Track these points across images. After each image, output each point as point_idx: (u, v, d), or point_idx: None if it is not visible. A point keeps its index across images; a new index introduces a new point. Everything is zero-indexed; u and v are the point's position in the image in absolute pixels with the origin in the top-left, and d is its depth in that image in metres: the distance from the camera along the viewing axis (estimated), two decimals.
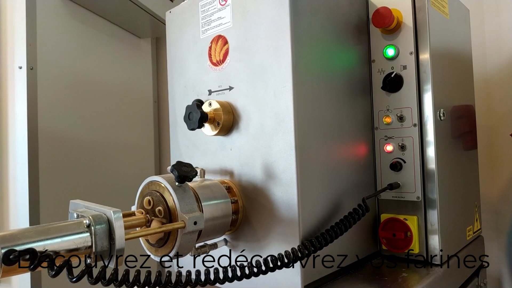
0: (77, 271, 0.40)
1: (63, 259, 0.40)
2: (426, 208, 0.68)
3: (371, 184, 0.72)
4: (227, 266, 0.49)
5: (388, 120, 0.71)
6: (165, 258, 0.54)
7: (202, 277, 0.46)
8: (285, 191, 0.56)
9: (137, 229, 0.57)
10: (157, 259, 0.55)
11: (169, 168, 0.72)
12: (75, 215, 0.47)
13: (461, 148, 0.80)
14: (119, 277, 0.41)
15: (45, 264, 0.38)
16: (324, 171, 0.61)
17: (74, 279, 0.39)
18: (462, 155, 0.80)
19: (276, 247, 0.58)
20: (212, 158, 0.68)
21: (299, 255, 0.52)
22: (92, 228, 0.44)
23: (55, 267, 0.38)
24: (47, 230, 0.42)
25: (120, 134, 1.42)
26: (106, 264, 0.45)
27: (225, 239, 0.65)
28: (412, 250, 0.67)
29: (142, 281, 0.42)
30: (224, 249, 0.66)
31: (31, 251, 0.38)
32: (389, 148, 0.71)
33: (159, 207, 0.53)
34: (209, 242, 0.64)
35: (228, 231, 0.63)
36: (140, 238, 0.57)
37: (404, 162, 0.69)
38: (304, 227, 0.56)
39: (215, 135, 0.65)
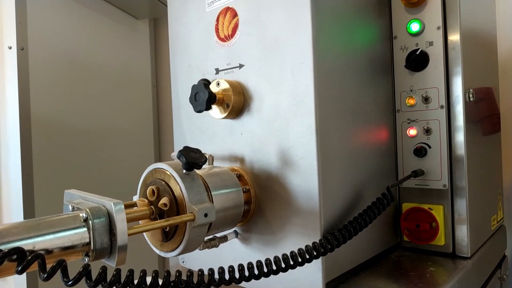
0: (73, 273, 0.35)
1: (56, 259, 0.35)
2: (453, 197, 0.62)
3: (392, 171, 0.67)
4: (237, 264, 0.44)
5: (411, 101, 0.65)
6: (171, 253, 0.49)
7: (216, 277, 0.40)
8: (304, 179, 0.51)
9: (140, 222, 0.51)
10: (163, 254, 0.50)
11: (173, 154, 0.66)
12: (70, 207, 0.41)
13: (480, 132, 0.74)
14: (122, 278, 0.36)
15: (35, 265, 0.33)
16: (345, 157, 0.55)
17: (70, 283, 0.33)
18: (486, 139, 0.75)
19: (294, 241, 0.52)
20: (220, 144, 0.62)
21: (322, 250, 0.47)
22: (90, 222, 0.38)
23: (48, 269, 0.33)
24: (37, 225, 0.36)
25: (118, 120, 1.36)
26: (107, 263, 0.39)
27: (235, 231, 0.60)
28: (437, 242, 0.62)
29: (149, 283, 0.37)
30: (234, 242, 0.60)
31: (19, 250, 0.32)
32: (412, 132, 0.65)
33: (165, 198, 0.48)
34: (218, 234, 0.58)
35: (239, 222, 0.58)
36: (145, 233, 0.52)
37: (429, 147, 0.64)
38: (326, 218, 0.50)
39: (224, 118, 0.59)
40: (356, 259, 0.57)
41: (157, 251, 0.51)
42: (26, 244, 0.34)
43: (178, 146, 0.70)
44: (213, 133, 0.63)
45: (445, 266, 0.59)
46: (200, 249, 0.55)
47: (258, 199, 0.57)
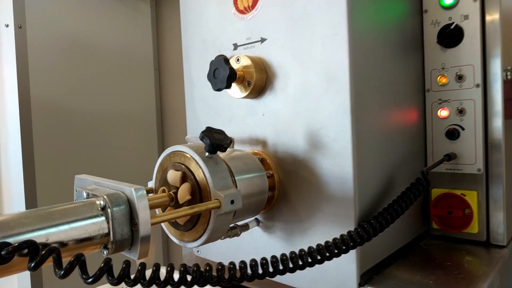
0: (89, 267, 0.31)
1: (71, 253, 0.31)
2: (488, 182, 0.58)
3: (421, 155, 0.62)
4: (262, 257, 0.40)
5: (443, 80, 0.61)
6: (193, 244, 0.45)
7: (249, 271, 0.36)
8: (337, 163, 0.46)
9: (156, 211, 0.47)
10: (183, 244, 0.46)
11: (188, 137, 0.61)
12: (85, 194, 0.37)
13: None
14: (146, 274, 0.32)
15: (49, 260, 0.29)
16: (379, 139, 0.51)
17: (90, 280, 0.29)
18: None
19: (324, 230, 0.48)
20: (239, 126, 0.57)
21: (358, 239, 0.43)
22: (109, 210, 0.34)
23: (66, 266, 0.28)
24: (49, 214, 0.32)
25: (119, 104, 1.31)
26: (128, 256, 0.35)
27: (256, 218, 0.56)
28: (470, 229, 0.59)
29: (177, 279, 0.33)
30: (255, 231, 0.56)
31: (31, 243, 0.28)
32: (444, 113, 0.61)
33: (186, 184, 0.43)
34: (239, 222, 0.54)
35: (262, 210, 0.54)
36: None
37: (463, 129, 0.59)
38: (361, 205, 0.46)
39: (244, 97, 0.54)
40: (388, 249, 0.53)
41: (177, 241, 0.47)
42: (39, 236, 0.30)
43: (191, 130, 0.65)
44: (230, 114, 0.59)
45: (480, 255, 0.56)
46: (222, 238, 0.51)
47: (282, 184, 0.53)
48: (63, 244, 0.31)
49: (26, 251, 0.28)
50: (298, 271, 0.49)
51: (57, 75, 1.06)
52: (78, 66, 1.14)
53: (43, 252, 0.28)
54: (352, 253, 0.46)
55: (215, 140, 0.42)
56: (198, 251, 0.67)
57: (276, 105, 0.52)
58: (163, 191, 0.45)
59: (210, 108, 0.61)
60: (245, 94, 0.54)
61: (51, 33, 1.05)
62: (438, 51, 0.61)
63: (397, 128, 0.56)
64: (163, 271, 0.32)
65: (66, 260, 0.30)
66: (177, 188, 0.44)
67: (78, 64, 1.14)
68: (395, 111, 0.55)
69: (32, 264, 0.27)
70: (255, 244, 0.57)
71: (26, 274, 0.88)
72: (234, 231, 0.52)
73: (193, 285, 0.33)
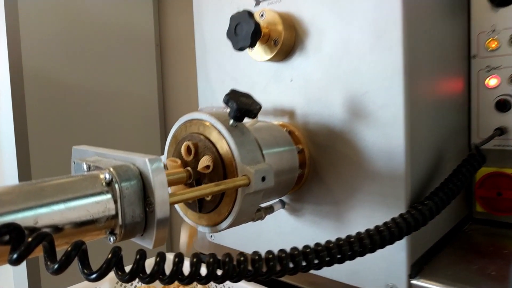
0: (93, 260, 0.24)
1: (70, 240, 0.24)
2: None
3: (465, 129, 0.55)
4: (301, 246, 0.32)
5: (493, 44, 0.53)
6: (214, 228, 0.38)
7: (290, 263, 0.29)
8: (384, 134, 0.39)
9: (169, 190, 0.40)
10: (202, 229, 0.39)
11: (201, 108, 0.54)
12: (85, 167, 0.30)
13: None
14: (161, 266, 0.25)
15: (39, 250, 0.21)
16: (430, 109, 0.44)
17: (94, 276, 0.22)
18: None
19: (364, 212, 0.41)
20: (261, 94, 0.50)
21: (413, 224, 0.36)
22: (117, 186, 0.26)
23: (62, 257, 0.21)
24: (39, 190, 0.24)
25: (117, 80, 1.22)
26: (140, 244, 0.28)
27: (281, 200, 0.49)
28: None
29: (205, 274, 0.26)
30: (279, 214, 0.49)
31: (13, 228, 0.21)
32: (493, 82, 0.54)
33: (206, 157, 0.36)
34: (263, 204, 0.47)
35: (290, 190, 0.47)
36: None
37: None
38: (412, 184, 0.39)
39: (269, 60, 0.47)
40: (435, 235, 0.46)
41: (193, 224, 0.40)
42: (25, 218, 0.23)
43: (203, 101, 0.58)
44: (251, 81, 0.51)
45: None
46: (245, 222, 0.44)
47: (314, 161, 0.45)
48: (57, 228, 0.24)
49: (7, 237, 0.21)
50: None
51: (52, 48, 0.98)
52: (75, 39, 1.05)
53: (30, 239, 0.21)
54: (401, 240, 0.39)
55: (243, 105, 0.35)
56: (212, 236, 0.60)
57: (308, 68, 0.45)
58: (179, 166, 0.38)
59: (227, 75, 0.54)
60: (270, 56, 0.46)
61: (45, 3, 0.96)
62: (488, 11, 0.53)
63: (445, 97, 0.48)
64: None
65: (61, 250, 0.23)
66: (195, 163, 0.37)
67: (75, 37, 1.05)
68: (444, 78, 0.48)
69: (15, 256, 0.20)
70: (279, 229, 0.50)
71: (22, 268, 0.81)
72: (258, 214, 0.45)
73: (224, 280, 0.26)
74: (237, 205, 0.35)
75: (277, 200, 0.49)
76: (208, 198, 0.37)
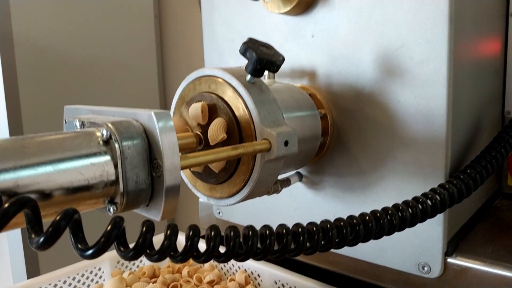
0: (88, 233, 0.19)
1: (60, 209, 0.19)
2: None
3: (500, 96, 0.50)
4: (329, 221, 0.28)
5: None
6: (229, 201, 0.33)
7: (321, 239, 0.25)
8: (423, 94, 0.34)
9: None
10: (214, 202, 0.34)
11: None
12: (78, 124, 0.25)
13: None
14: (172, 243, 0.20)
15: (21, 221, 0.17)
16: (471, 69, 0.39)
17: (90, 252, 0.17)
18: None
19: (396, 183, 0.37)
20: None
21: (457, 195, 0.31)
22: (116, 145, 0.22)
23: (49, 229, 0.16)
24: (21, 148, 0.19)
25: (115, 51, 1.16)
26: (146, 216, 0.23)
27: (298, 172, 0.45)
28: None
29: (224, 252, 0.21)
30: (295, 188, 0.45)
31: None
32: None
33: (220, 119, 0.31)
34: (279, 176, 0.43)
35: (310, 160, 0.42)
36: (183, 170, 0.36)
37: None
38: (453, 152, 0.35)
39: (287, 13, 0.41)
40: (469, 210, 0.42)
41: (204, 198, 0.35)
42: (3, 181, 0.18)
43: (210, 63, 0.52)
44: (264, 38, 0.45)
45: None
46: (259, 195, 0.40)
47: (337, 128, 0.40)
48: (44, 195, 0.19)
49: None
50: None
51: (44, 13, 0.91)
52: (69, 6, 0.98)
53: (7, 204, 0.16)
54: (439, 215, 0.34)
55: (263, 55, 0.30)
56: (219, 212, 0.56)
57: (333, 21, 0.39)
58: (186, 130, 0.33)
59: (237, 33, 0.48)
60: (289, 7, 0.40)
61: None
62: None
63: (484, 58, 0.43)
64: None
65: (50, 219, 0.18)
66: (204, 127, 0.32)
67: (69, 3, 0.98)
68: (484, 36, 0.42)
69: None
70: (295, 204, 0.46)
71: (19, 251, 0.77)
72: (274, 187, 0.41)
73: (247, 258, 0.22)
74: (255, 174, 0.31)
75: (294, 172, 0.44)
76: (222, 166, 0.32)
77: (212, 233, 0.21)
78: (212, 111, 0.32)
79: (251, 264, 0.49)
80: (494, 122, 0.48)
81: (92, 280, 0.52)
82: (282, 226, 0.24)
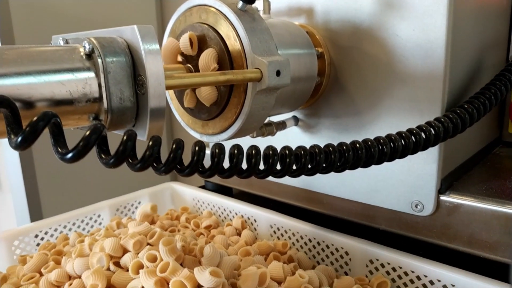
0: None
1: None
2: None
3: (506, 41, 0.49)
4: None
5: None
6: (220, 136, 0.33)
7: (308, 162, 0.25)
8: (422, 26, 0.33)
9: (168, 97, 0.35)
10: (207, 138, 0.34)
11: None
12: (61, 42, 0.24)
13: None
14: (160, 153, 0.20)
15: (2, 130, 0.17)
16: (473, 7, 0.37)
17: (70, 155, 0.17)
18: None
19: (392, 121, 0.36)
20: None
21: (452, 127, 0.31)
22: (100, 61, 0.21)
23: (27, 128, 0.16)
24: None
25: (114, 9, 1.13)
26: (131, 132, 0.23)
27: (294, 117, 0.44)
28: None
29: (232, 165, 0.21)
30: (290, 132, 0.45)
31: None
32: None
33: (210, 49, 0.30)
34: (274, 119, 0.42)
35: (305, 103, 0.42)
36: (172, 103, 0.36)
37: None
38: (451, 87, 0.34)
39: None
40: (465, 152, 0.42)
41: (197, 135, 0.35)
42: None
43: None
44: None
45: None
46: (253, 137, 0.39)
47: (334, 68, 0.40)
48: (24, 103, 0.19)
49: None
50: (349, 180, 0.38)
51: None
52: None
53: None
54: (433, 150, 0.34)
55: None
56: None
57: None
58: (178, 63, 0.32)
59: None
60: None
61: None
62: None
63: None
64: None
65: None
66: (196, 59, 0.31)
67: None
68: None
69: None
70: None
71: (22, 195, 0.79)
72: (269, 129, 0.40)
73: (267, 175, 0.22)
74: (247, 106, 0.30)
75: (290, 116, 0.44)
76: (214, 99, 0.31)
77: (196, 148, 0.21)
78: (203, 42, 0.31)
79: (247, 210, 0.50)
80: (497, 66, 0.47)
81: (91, 226, 0.53)
82: (269, 147, 0.24)
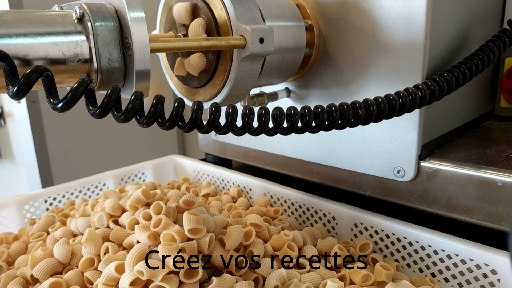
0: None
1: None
2: None
3: (499, 14, 0.49)
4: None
5: None
6: (207, 104, 0.35)
7: (298, 120, 0.27)
8: None
9: (163, 66, 0.37)
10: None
11: None
12: (56, 8, 0.26)
13: None
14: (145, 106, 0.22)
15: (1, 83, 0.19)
16: None
17: (60, 105, 0.20)
18: None
19: (376, 91, 0.38)
20: None
21: (429, 92, 0.32)
22: (90, 25, 0.23)
23: (21, 79, 0.19)
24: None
25: None
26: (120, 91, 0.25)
27: (287, 88, 0.46)
28: None
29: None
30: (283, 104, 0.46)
31: None
32: None
33: (199, 19, 0.32)
34: (266, 90, 0.44)
35: (294, 75, 0.43)
36: (167, 73, 0.38)
37: None
38: (431, 56, 0.35)
39: None
40: (450, 122, 0.43)
41: (189, 103, 0.37)
42: None
43: None
44: None
45: None
46: (242, 105, 0.41)
47: (323, 40, 0.41)
48: (22, 60, 0.21)
49: None
50: (337, 149, 0.40)
51: None
52: None
53: None
54: (414, 118, 0.36)
55: None
56: (216, 135, 0.58)
57: None
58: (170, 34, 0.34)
59: None
60: None
61: None
62: None
63: None
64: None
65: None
66: (187, 28, 0.33)
67: None
68: None
69: None
70: None
71: (33, 164, 0.83)
72: (261, 99, 0.42)
73: (276, 133, 0.24)
74: (233, 73, 0.32)
75: (282, 88, 0.46)
76: (202, 67, 0.33)
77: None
78: (194, 12, 0.33)
79: (244, 179, 0.52)
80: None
81: (97, 194, 0.56)
82: (261, 108, 0.26)
